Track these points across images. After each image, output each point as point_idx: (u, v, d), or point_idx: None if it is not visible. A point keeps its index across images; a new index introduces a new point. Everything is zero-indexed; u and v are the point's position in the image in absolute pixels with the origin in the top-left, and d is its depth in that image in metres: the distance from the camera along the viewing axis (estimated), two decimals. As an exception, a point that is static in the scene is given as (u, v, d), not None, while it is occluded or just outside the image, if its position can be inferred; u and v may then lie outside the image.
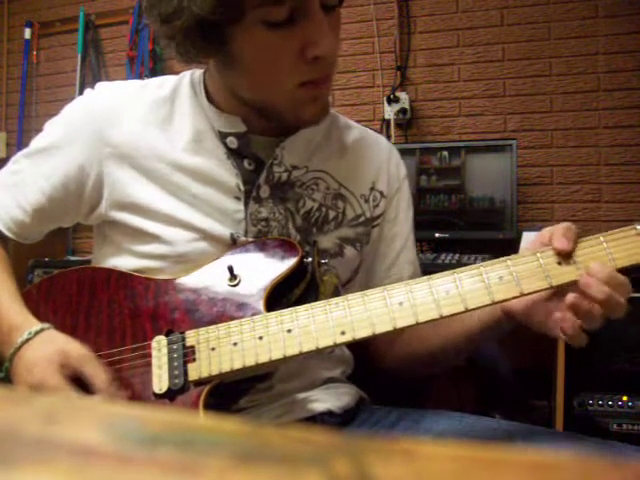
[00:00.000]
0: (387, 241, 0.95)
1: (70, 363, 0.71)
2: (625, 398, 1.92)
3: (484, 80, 2.55)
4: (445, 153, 2.42)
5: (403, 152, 2.42)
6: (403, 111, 2.58)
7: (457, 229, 2.40)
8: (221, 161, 0.84)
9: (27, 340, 0.73)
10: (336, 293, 0.87)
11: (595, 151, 2.42)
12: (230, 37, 0.73)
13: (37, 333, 0.74)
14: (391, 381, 0.99)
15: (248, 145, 0.84)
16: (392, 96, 2.58)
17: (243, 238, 0.82)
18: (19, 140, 3.15)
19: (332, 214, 0.89)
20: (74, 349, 0.73)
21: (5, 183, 0.89)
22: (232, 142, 0.84)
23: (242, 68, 0.77)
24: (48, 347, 0.73)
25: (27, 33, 3.19)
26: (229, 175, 0.84)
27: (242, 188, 0.83)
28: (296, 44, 0.73)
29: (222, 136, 0.84)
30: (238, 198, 0.83)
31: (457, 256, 2.20)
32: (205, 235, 0.82)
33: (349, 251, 0.89)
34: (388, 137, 2.56)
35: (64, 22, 3.14)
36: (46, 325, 0.76)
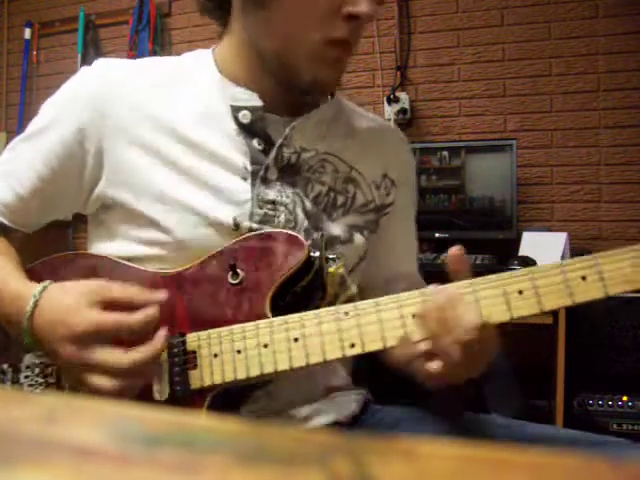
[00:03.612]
0: (396, 232, 0.93)
1: (97, 295, 0.69)
2: (625, 398, 1.92)
3: (484, 80, 2.55)
4: (445, 153, 2.42)
5: (403, 152, 2.41)
6: (403, 111, 2.58)
7: (457, 229, 2.40)
8: (230, 138, 0.81)
9: (36, 303, 0.71)
10: (342, 283, 0.84)
11: (595, 151, 2.42)
12: None
13: (41, 292, 0.71)
14: (391, 380, 0.98)
15: (261, 121, 0.81)
16: (392, 96, 2.58)
17: (246, 223, 0.78)
18: (19, 140, 3.15)
19: (341, 199, 0.86)
20: (89, 283, 0.70)
21: (0, 171, 0.86)
22: (245, 116, 0.81)
23: (277, 9, 0.75)
24: (65, 296, 0.70)
25: (27, 33, 3.19)
26: (237, 153, 0.80)
27: (249, 168, 0.80)
28: None
29: (234, 110, 0.81)
30: (245, 178, 0.80)
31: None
32: (206, 219, 0.78)
33: (358, 238, 0.87)
34: (388, 137, 2.55)
35: (64, 22, 3.14)
36: (46, 282, 0.73)
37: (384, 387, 0.98)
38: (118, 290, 0.70)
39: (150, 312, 0.68)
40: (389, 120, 2.60)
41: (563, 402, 1.95)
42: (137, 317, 0.68)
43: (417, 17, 2.64)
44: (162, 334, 0.69)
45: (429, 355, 0.66)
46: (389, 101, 2.59)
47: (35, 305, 0.71)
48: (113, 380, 0.67)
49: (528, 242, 2.15)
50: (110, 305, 0.69)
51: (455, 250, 0.67)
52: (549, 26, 2.47)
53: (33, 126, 0.85)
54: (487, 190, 2.37)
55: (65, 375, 0.75)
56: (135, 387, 0.69)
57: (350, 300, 0.77)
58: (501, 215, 2.34)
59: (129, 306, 0.69)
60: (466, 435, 0.80)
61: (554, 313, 1.98)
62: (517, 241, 2.20)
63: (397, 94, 2.59)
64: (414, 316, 0.66)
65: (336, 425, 0.84)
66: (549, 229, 2.38)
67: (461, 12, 2.58)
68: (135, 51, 2.96)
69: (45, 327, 0.70)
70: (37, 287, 0.72)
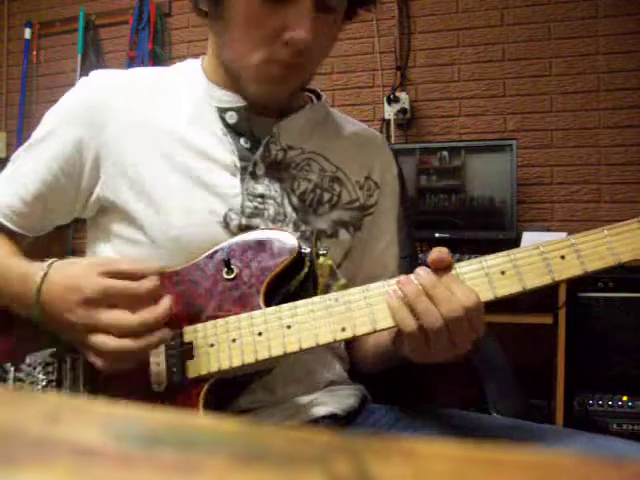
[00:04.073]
0: (376, 234, 0.96)
1: (103, 267, 0.72)
2: (625, 398, 1.92)
3: (484, 80, 2.55)
4: (445, 153, 2.42)
5: (403, 152, 2.43)
6: (403, 111, 2.58)
7: (457, 229, 2.40)
8: (218, 138, 0.85)
9: (45, 275, 0.74)
10: (332, 274, 0.86)
11: (595, 151, 2.42)
12: None
13: (50, 266, 0.75)
14: (391, 379, 0.99)
15: (247, 121, 0.85)
16: (392, 96, 2.59)
17: (236, 221, 0.82)
18: (19, 140, 3.15)
19: (327, 196, 0.90)
20: (96, 257, 0.73)
21: (5, 177, 0.90)
22: (232, 117, 0.85)
23: (226, 27, 0.80)
24: (73, 267, 0.74)
25: (27, 33, 3.19)
26: (226, 152, 0.85)
27: (238, 165, 0.84)
28: (277, 22, 0.76)
29: (221, 111, 0.86)
30: (234, 174, 0.84)
31: (457, 256, 2.20)
32: (202, 217, 0.82)
33: (343, 233, 0.90)
34: (388, 137, 2.56)
35: (64, 22, 3.15)
36: (53, 259, 0.76)
37: (381, 387, 0.99)
38: (124, 262, 0.74)
39: (155, 280, 0.72)
40: (389, 120, 2.60)
41: (563, 402, 1.95)
42: (145, 283, 0.71)
43: (417, 17, 2.64)
44: (167, 300, 0.73)
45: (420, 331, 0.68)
46: (389, 101, 2.59)
47: (44, 278, 0.74)
48: (119, 340, 0.69)
49: (528, 242, 2.15)
50: (116, 276, 0.72)
51: (437, 254, 0.69)
52: (549, 26, 2.47)
53: (35, 135, 0.90)
54: (487, 190, 2.37)
55: (69, 341, 0.77)
56: (138, 353, 0.71)
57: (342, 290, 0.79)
58: (501, 215, 2.35)
59: (134, 278, 0.73)
60: (466, 435, 0.80)
61: (554, 313, 1.99)
62: (517, 241, 2.20)
63: (397, 94, 2.59)
64: (404, 298, 0.68)
65: (334, 417, 0.85)
66: (549, 229, 2.38)
67: (461, 12, 2.58)
68: (135, 51, 2.96)
69: (54, 296, 0.73)
70: (45, 263, 0.76)
